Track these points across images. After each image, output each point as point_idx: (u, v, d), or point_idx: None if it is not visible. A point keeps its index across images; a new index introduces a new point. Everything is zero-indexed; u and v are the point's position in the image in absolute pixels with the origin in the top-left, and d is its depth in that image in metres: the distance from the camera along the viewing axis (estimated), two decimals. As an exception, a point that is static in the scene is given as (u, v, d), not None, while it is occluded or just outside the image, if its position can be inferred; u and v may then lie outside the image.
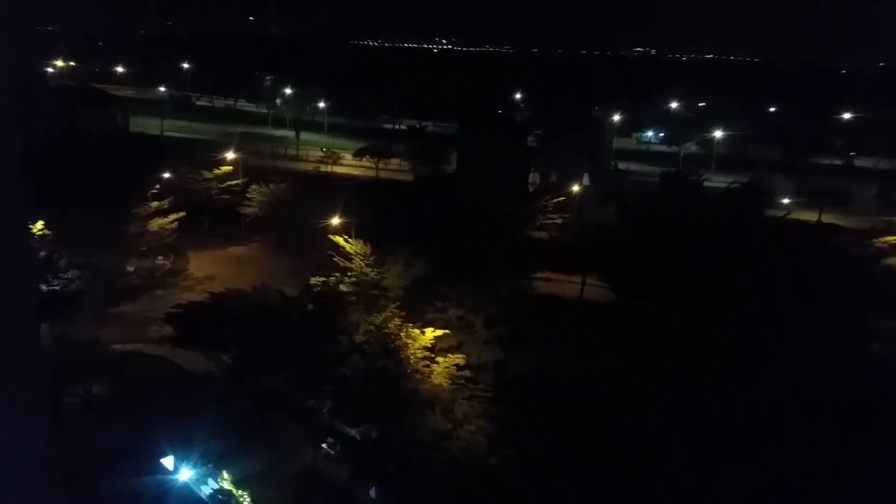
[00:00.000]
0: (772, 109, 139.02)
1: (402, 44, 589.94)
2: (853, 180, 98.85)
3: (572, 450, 44.36)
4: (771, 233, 71.59)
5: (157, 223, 72.84)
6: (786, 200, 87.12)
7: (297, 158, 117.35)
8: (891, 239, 72.85)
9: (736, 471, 42.68)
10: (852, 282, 60.78)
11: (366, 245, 54.20)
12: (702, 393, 49.66)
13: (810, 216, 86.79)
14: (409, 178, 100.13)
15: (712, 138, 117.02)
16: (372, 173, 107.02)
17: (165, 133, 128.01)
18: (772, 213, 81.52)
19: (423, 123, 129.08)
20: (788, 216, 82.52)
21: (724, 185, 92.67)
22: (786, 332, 55.21)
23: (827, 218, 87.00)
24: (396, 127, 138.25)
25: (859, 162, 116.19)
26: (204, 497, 40.52)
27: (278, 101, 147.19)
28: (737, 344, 53.44)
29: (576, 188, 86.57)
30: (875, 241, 72.80)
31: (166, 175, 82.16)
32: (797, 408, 47.88)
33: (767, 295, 57.35)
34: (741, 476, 42.43)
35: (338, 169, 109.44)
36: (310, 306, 52.43)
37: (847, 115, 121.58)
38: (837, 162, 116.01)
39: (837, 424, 46.64)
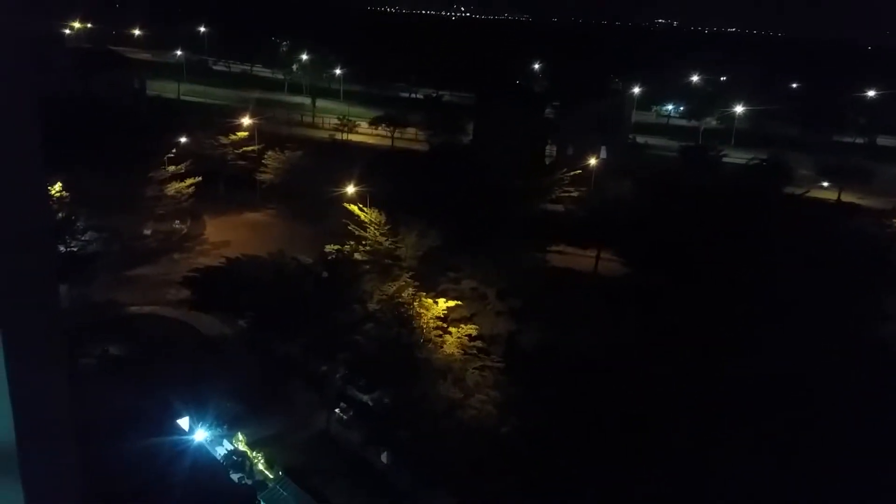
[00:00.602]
0: (794, 85, 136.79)
1: (420, 10, 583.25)
2: (875, 159, 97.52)
3: (579, 422, 44.77)
4: (789, 211, 70.94)
5: (173, 187, 73.23)
6: (805, 178, 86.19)
7: (312, 126, 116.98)
8: (910, 219, 72.17)
9: (738, 451, 42.91)
10: (869, 262, 60.31)
11: (381, 214, 54.26)
12: (710, 371, 49.81)
13: (830, 195, 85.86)
14: (424, 147, 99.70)
15: (733, 113, 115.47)
16: (387, 142, 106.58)
17: (182, 97, 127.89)
18: (791, 190, 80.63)
19: (440, 93, 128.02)
20: (807, 194, 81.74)
21: (743, 162, 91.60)
22: (800, 312, 55.08)
23: (847, 197, 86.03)
24: (413, 96, 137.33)
25: (882, 140, 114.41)
26: (219, 458, 41.29)
27: (294, 67, 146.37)
28: (749, 322, 53.39)
29: (593, 161, 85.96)
30: (895, 221, 72.03)
31: (183, 139, 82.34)
32: (807, 388, 47.95)
33: (783, 274, 57.02)
34: (743, 455, 42.65)
35: (353, 137, 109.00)
36: (325, 274, 52.81)
37: (871, 93, 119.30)
38: (859, 140, 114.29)
39: (848, 406, 46.65)
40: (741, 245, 59.62)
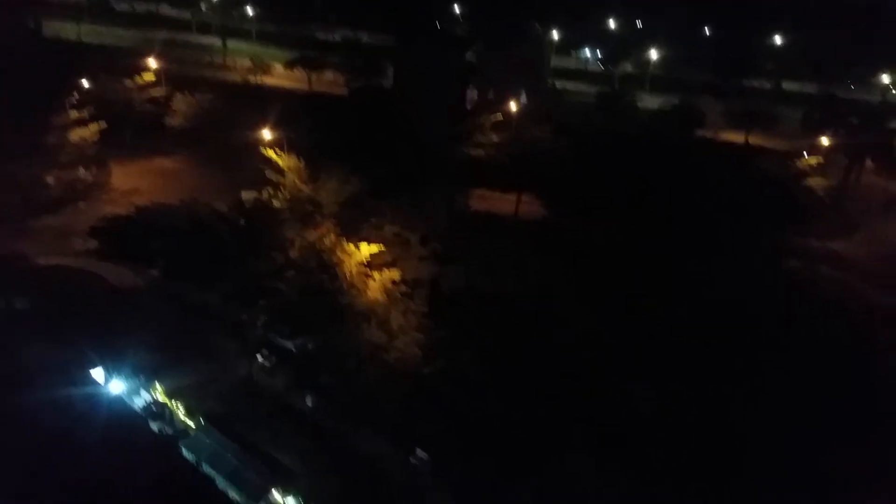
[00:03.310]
0: (706, 32, 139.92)
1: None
2: (780, 103, 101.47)
3: (502, 362, 45.94)
4: (699, 153, 73.45)
5: (77, 134, 69.29)
6: (716, 123, 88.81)
7: (224, 68, 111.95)
8: (812, 160, 75.62)
9: (656, 380, 45.15)
10: (774, 201, 63.37)
11: (299, 160, 52.92)
12: (628, 306, 51.81)
13: (738, 138, 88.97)
14: (343, 91, 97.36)
15: (648, 59, 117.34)
16: (304, 86, 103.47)
17: (83, 39, 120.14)
18: (702, 134, 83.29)
19: (359, 34, 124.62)
20: (717, 137, 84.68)
21: (656, 107, 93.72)
22: (708, 247, 57.69)
23: (754, 140, 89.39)
24: (330, 37, 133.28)
25: (787, 86, 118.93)
26: (137, 409, 40.39)
27: (203, 5, 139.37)
28: (664, 259, 55.57)
29: (513, 106, 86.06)
30: (797, 162, 75.41)
31: (85, 84, 77.59)
32: (714, 317, 50.65)
33: (694, 212, 59.40)
34: (662, 383, 44.94)
35: (268, 80, 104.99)
36: (242, 221, 51.48)
37: (777, 40, 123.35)
38: (767, 85, 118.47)
39: (751, 333, 49.59)
40: (655, 186, 61.49)
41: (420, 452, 38.56)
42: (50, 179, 67.39)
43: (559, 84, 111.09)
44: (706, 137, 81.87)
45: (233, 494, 35.10)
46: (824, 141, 79.60)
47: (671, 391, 44.62)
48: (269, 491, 35.04)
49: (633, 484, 38.46)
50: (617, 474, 39.06)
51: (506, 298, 52.05)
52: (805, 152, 77.45)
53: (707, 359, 47.67)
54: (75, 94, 73.44)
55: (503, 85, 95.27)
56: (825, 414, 42.35)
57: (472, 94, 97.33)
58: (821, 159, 76.21)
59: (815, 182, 72.69)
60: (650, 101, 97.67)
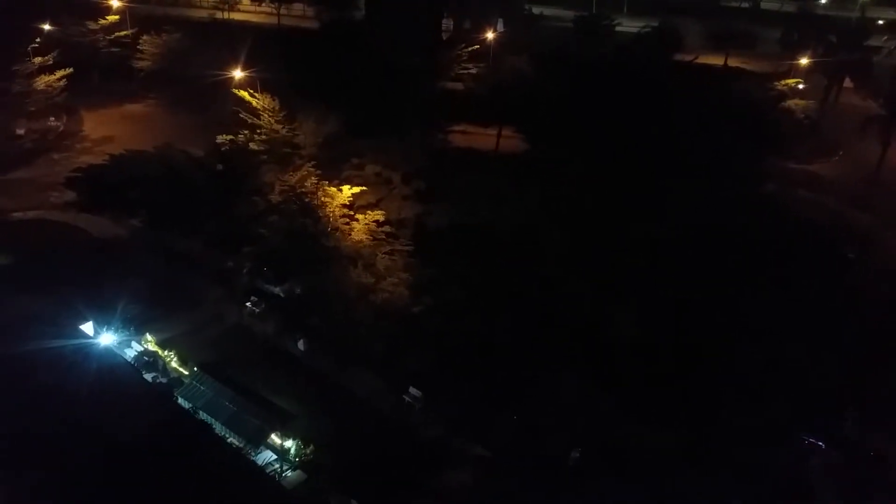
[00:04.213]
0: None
1: None
2: (759, 24, 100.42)
3: (490, 296, 46.48)
4: (679, 77, 72.67)
5: (43, 80, 67.34)
6: (695, 45, 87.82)
7: (189, 4, 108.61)
8: (791, 82, 75.40)
9: (634, 308, 45.88)
10: (752, 124, 63.32)
11: (274, 100, 51.79)
12: (608, 236, 52.20)
13: (717, 60, 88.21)
14: (314, 25, 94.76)
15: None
16: (273, 20, 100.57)
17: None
18: (680, 57, 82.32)
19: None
20: (696, 60, 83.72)
21: (635, 30, 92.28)
22: (687, 172, 57.86)
23: (733, 62, 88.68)
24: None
25: (765, 4, 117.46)
26: (129, 360, 40.64)
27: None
28: (644, 187, 55.71)
29: (490, 35, 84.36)
30: (776, 84, 75.17)
31: (46, 27, 74.77)
32: (693, 241, 51.19)
33: (676, 139, 59.25)
34: (637, 311, 45.70)
35: (235, 15, 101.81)
36: (219, 166, 50.87)
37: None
38: (745, 4, 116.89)
39: (731, 256, 50.24)
40: (635, 113, 61.06)
41: (413, 390, 39.38)
42: (20, 130, 65.74)
43: (536, 10, 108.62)
44: (685, 61, 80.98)
45: (231, 440, 35.75)
46: (803, 61, 79.19)
47: (652, 314, 45.45)
48: (268, 435, 35.72)
49: (617, 405, 39.60)
50: (599, 397, 40.24)
51: (490, 232, 52.15)
52: (784, 74, 77.16)
53: (687, 281, 48.35)
54: (37, 39, 70.84)
55: (479, 13, 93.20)
56: (808, 335, 43.43)
57: (447, 23, 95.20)
58: (800, 80, 75.98)
59: (793, 104, 72.66)
60: (628, 25, 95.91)
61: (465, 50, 76.47)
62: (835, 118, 77.02)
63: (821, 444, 39.11)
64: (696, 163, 58.50)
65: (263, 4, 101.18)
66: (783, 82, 75.29)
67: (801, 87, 75.76)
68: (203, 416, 36.85)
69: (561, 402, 40.10)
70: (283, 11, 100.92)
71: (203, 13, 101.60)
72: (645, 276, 48.17)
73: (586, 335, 44.02)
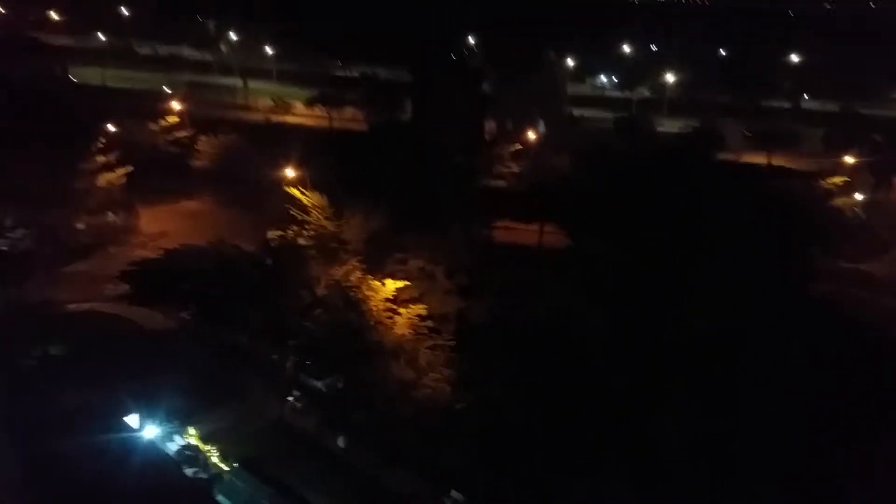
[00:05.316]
0: (722, 53, 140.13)
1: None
2: (801, 123, 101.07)
3: (533, 394, 45.59)
4: (721, 176, 72.89)
5: (105, 178, 70.66)
6: (737, 144, 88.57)
7: (246, 108, 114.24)
8: (837, 180, 74.98)
9: (684, 402, 44.44)
10: (799, 223, 62.65)
11: (323, 197, 53.42)
12: (656, 333, 51.27)
13: (760, 159, 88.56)
14: (363, 127, 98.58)
15: (665, 83, 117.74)
16: (325, 123, 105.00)
17: (107, 83, 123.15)
18: (723, 156, 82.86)
19: (376, 70, 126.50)
20: (739, 159, 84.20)
21: (676, 130, 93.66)
22: (735, 271, 57.03)
23: (776, 160, 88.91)
24: (349, 74, 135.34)
25: (807, 104, 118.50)
26: (171, 454, 40.61)
27: (223, 47, 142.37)
28: (688, 284, 54.99)
29: (532, 135, 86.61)
30: (822, 182, 74.81)
31: (111, 128, 79.33)
32: (744, 342, 49.90)
33: (719, 237, 58.79)
34: (689, 406, 44.24)
35: (289, 119, 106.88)
36: (269, 261, 51.99)
37: (795, 58, 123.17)
38: (786, 105, 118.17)
39: (784, 357, 48.75)
40: (678, 212, 61.10)
41: (454, 493, 38.31)
42: (80, 225, 68.66)
43: (576, 111, 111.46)
44: (727, 160, 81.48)
45: (268, 539, 35.03)
46: (848, 159, 78.94)
47: (697, 414, 43.92)
48: (303, 534, 34.93)
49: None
50: (643, 499, 38.49)
51: (533, 329, 51.73)
52: (829, 172, 76.86)
53: (738, 385, 46.91)
54: (102, 138, 75.06)
55: (520, 115, 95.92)
56: (862, 441, 41.43)
57: (490, 125, 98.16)
58: (846, 178, 75.53)
59: (841, 202, 72.01)
60: (669, 125, 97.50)
61: (508, 149, 78.47)
62: (884, 216, 75.89)
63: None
64: (742, 261, 57.83)
65: (316, 108, 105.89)
66: (829, 180, 74.90)
67: (847, 185, 75.20)
68: (241, 513, 36.32)
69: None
70: (334, 115, 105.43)
71: (258, 116, 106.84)
72: (690, 376, 46.94)
73: (629, 434, 42.68)
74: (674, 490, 39.02)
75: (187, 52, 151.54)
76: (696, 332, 50.60)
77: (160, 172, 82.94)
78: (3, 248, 57.43)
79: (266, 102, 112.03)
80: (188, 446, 41.00)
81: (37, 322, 51.99)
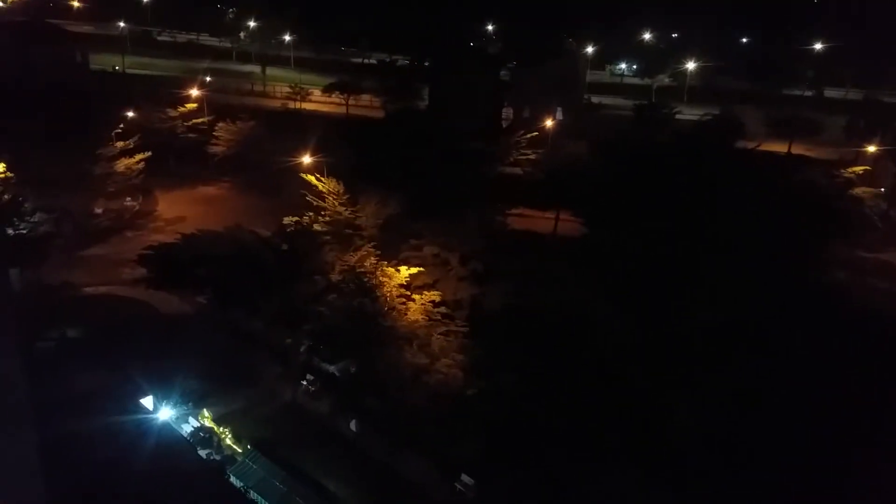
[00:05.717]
0: (743, 40, 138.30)
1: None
2: (823, 111, 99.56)
3: (545, 381, 45.52)
4: (741, 164, 72.03)
5: (123, 163, 71.28)
6: (757, 132, 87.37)
7: (263, 95, 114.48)
8: (857, 169, 73.86)
9: (701, 395, 44.17)
10: (820, 211, 61.87)
11: (338, 184, 53.49)
12: (671, 322, 50.91)
13: (780, 147, 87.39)
14: (380, 114, 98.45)
15: (685, 70, 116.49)
16: (342, 110, 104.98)
17: (127, 70, 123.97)
18: (742, 144, 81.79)
19: (394, 57, 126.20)
20: (759, 148, 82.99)
21: (695, 118, 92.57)
22: (753, 259, 56.44)
23: (797, 149, 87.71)
24: (366, 61, 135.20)
25: (829, 93, 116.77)
26: (185, 435, 41.05)
27: (242, 34, 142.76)
28: (706, 272, 54.50)
29: (549, 123, 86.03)
30: (843, 171, 73.73)
31: (130, 114, 79.98)
32: (759, 332, 49.44)
33: (737, 226, 58.18)
34: (707, 400, 43.96)
35: (306, 105, 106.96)
36: (284, 246, 52.12)
37: (817, 46, 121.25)
38: (808, 93, 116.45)
39: (801, 349, 48.24)
40: (696, 200, 60.47)
41: (465, 478, 38.40)
42: (98, 209, 69.37)
43: (595, 99, 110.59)
44: (747, 148, 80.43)
45: (280, 520, 35.33)
46: (870, 148, 77.68)
47: (713, 403, 43.62)
48: (316, 517, 35.20)
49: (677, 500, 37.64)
50: (658, 490, 38.31)
51: (546, 316, 51.57)
52: (850, 161, 75.76)
53: (754, 375, 46.51)
54: (121, 124, 75.67)
55: (538, 102, 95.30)
56: (880, 433, 40.94)
57: (507, 112, 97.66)
58: (867, 167, 74.41)
59: (861, 191, 70.97)
60: (688, 113, 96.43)
61: (525, 137, 78.02)
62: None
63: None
64: (760, 249, 57.20)
65: (333, 95, 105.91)
66: (850, 170, 73.79)
67: (869, 174, 74.05)
68: (254, 495, 36.63)
69: (617, 495, 38.38)
70: (351, 102, 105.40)
71: (276, 103, 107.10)
72: (705, 365, 46.60)
73: (644, 424, 42.50)
74: (685, 479, 38.81)
75: (206, 39, 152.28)
76: (711, 322, 50.24)
77: (178, 158, 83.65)
78: (23, 231, 57.95)
79: (283, 89, 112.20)
80: (202, 428, 41.41)
81: (55, 305, 52.62)
